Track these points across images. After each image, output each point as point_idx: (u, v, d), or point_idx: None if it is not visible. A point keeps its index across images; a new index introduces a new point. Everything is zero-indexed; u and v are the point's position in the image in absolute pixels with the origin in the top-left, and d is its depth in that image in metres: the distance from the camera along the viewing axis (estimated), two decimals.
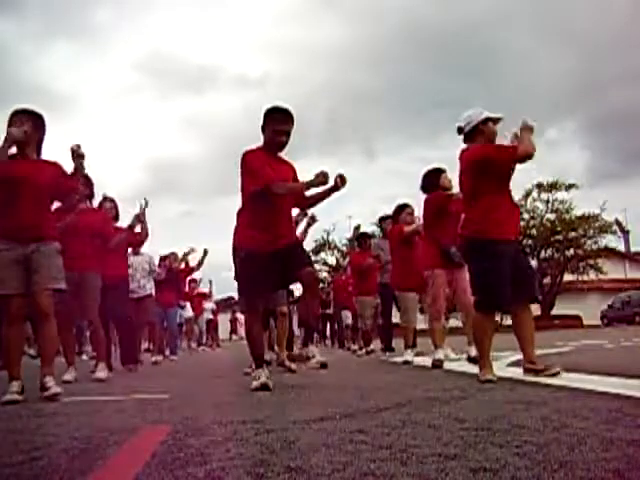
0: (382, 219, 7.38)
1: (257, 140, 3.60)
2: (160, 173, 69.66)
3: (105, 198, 5.89)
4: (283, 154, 3.63)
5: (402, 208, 5.79)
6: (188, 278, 10.66)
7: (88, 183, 4.96)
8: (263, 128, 3.53)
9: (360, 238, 8.24)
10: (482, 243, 3.38)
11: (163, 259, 9.08)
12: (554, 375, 3.17)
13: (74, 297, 4.56)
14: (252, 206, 3.45)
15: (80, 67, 72.55)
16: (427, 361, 5.39)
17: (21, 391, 3.11)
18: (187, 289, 10.62)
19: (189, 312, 10.78)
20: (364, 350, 8.07)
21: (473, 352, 4.56)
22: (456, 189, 4.70)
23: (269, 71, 73.45)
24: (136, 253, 7.55)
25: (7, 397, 3.00)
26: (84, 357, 8.89)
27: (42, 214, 3.33)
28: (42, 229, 3.30)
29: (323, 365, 3.35)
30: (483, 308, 3.42)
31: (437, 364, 4.60)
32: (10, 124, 3.27)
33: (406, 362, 5.40)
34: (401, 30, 62.83)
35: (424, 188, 4.94)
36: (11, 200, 3.26)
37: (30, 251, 3.22)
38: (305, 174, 3.67)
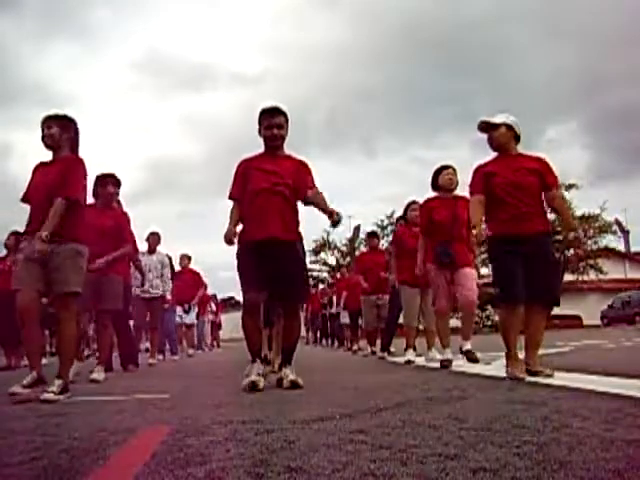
0: (398, 219, 7.53)
1: (256, 139, 3.70)
2: (159, 172, 69.83)
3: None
4: (288, 151, 3.71)
5: (409, 206, 5.94)
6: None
7: (117, 184, 5.04)
8: (259, 131, 3.65)
9: (369, 237, 8.50)
10: (491, 240, 3.59)
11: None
12: (546, 377, 3.25)
13: (90, 298, 4.56)
14: (244, 204, 3.58)
15: (79, 67, 72.73)
16: (423, 361, 5.41)
17: (33, 384, 3.18)
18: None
19: (192, 318, 10.72)
20: (370, 350, 8.07)
21: (467, 346, 4.60)
22: (462, 189, 4.80)
23: (268, 69, 73.45)
24: (150, 252, 7.54)
25: (12, 389, 3.10)
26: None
27: (63, 215, 3.31)
28: (61, 230, 3.28)
29: (293, 384, 3.31)
30: (502, 304, 3.53)
31: (445, 364, 4.61)
32: (42, 130, 3.43)
33: (408, 362, 5.41)
34: (400, 29, 62.87)
35: (432, 186, 5.03)
36: (36, 202, 3.38)
37: (49, 251, 3.24)
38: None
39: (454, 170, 4.92)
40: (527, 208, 3.47)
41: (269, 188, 3.51)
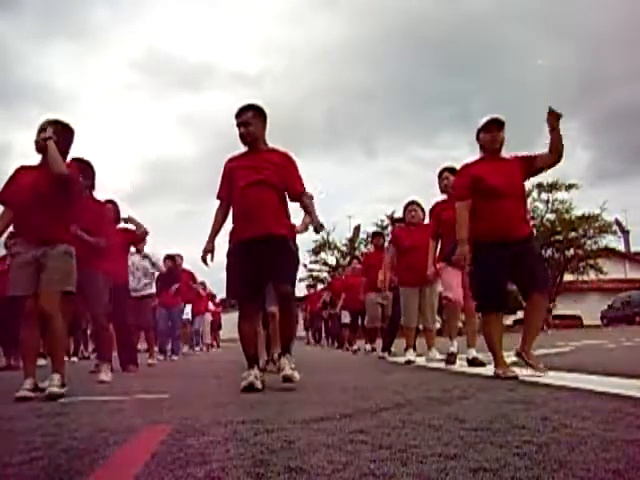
0: (396, 220, 7.61)
1: None
2: (158, 172, 69.67)
3: (106, 201, 5.85)
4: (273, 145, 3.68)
5: (406, 207, 5.97)
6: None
7: (89, 172, 4.67)
8: None
9: (374, 237, 8.58)
10: (477, 244, 3.61)
11: (170, 258, 9.09)
12: (538, 375, 3.32)
13: (78, 297, 4.55)
14: (233, 203, 3.60)
15: (78, 66, 72.48)
16: (423, 361, 5.41)
17: (34, 389, 3.24)
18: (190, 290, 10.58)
19: (187, 315, 10.77)
20: (370, 347, 8.07)
21: (472, 354, 4.58)
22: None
23: (268, 69, 73.32)
24: (138, 251, 7.54)
25: (20, 393, 3.14)
26: (74, 359, 8.86)
27: (52, 217, 3.38)
28: (51, 232, 3.38)
29: (286, 379, 3.31)
30: (479, 310, 3.65)
31: (451, 360, 4.63)
32: (37, 134, 3.41)
33: (408, 362, 5.41)
34: (400, 29, 62.86)
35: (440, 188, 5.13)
36: (24, 206, 3.40)
37: (40, 254, 3.34)
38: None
39: (449, 172, 4.94)
40: (514, 212, 3.53)
41: (253, 183, 3.46)
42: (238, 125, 3.57)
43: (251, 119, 3.55)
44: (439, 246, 5.04)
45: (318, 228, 3.80)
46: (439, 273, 4.99)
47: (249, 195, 3.46)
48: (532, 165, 3.63)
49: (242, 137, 3.58)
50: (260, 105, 3.62)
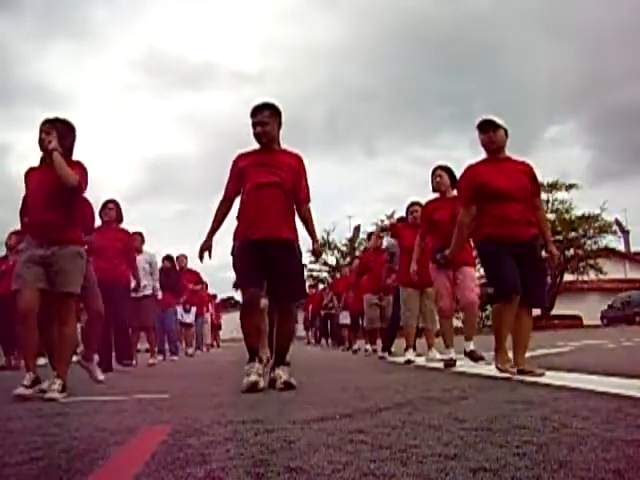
0: (399, 220, 7.59)
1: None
2: (158, 172, 69.60)
3: (108, 200, 5.88)
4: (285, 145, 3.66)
5: (409, 207, 5.95)
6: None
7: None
8: None
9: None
10: (483, 243, 3.60)
11: (168, 258, 9.05)
12: (539, 374, 3.29)
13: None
14: (240, 201, 3.56)
15: (78, 66, 72.30)
16: (423, 361, 5.41)
17: (32, 384, 3.23)
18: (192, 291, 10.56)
19: (191, 317, 10.76)
20: (370, 348, 8.08)
21: (470, 347, 4.60)
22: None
23: (268, 69, 73.15)
24: (137, 252, 7.53)
25: (17, 391, 3.15)
26: (74, 358, 8.83)
27: (62, 217, 3.36)
28: (61, 232, 3.35)
29: (289, 385, 3.26)
30: (499, 297, 3.48)
31: (450, 363, 4.59)
32: (40, 133, 3.39)
33: (408, 362, 5.41)
34: (400, 29, 62.85)
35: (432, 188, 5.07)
36: (34, 205, 3.41)
37: (50, 254, 3.31)
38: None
39: (442, 169, 4.91)
40: (519, 214, 3.49)
41: (266, 184, 3.43)
42: (254, 124, 3.49)
43: (267, 118, 3.49)
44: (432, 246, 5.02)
45: (317, 252, 3.86)
46: (431, 274, 4.97)
47: (261, 195, 3.42)
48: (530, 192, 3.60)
49: (258, 137, 3.51)
50: (276, 104, 3.56)
